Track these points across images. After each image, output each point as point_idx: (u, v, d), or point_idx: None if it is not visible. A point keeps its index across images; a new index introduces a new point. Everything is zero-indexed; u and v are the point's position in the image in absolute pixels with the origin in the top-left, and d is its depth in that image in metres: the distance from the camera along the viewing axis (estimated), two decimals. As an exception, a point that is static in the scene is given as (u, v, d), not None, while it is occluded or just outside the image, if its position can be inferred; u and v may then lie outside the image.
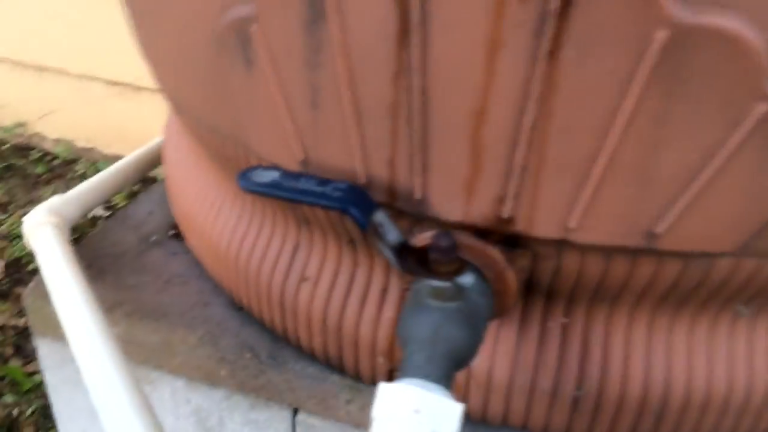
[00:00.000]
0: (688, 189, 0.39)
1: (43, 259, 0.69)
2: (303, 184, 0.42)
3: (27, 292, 0.73)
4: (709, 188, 0.39)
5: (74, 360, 0.75)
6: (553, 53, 0.36)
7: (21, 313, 1.68)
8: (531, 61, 0.37)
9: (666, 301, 0.48)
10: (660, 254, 0.43)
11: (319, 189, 0.42)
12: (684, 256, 0.43)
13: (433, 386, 0.39)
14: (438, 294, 0.42)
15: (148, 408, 0.54)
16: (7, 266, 1.81)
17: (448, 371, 0.40)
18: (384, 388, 0.39)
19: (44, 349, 0.76)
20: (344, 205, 0.41)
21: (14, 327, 1.65)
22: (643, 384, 0.50)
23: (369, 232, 0.41)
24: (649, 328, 0.50)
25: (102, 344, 0.59)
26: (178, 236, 0.80)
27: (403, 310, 0.44)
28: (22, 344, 1.60)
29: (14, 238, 1.89)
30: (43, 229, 0.73)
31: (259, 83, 0.46)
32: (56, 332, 0.73)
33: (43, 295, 0.71)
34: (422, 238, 0.45)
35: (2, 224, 1.95)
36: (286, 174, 0.43)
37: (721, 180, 0.39)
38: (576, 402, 0.51)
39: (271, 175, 0.43)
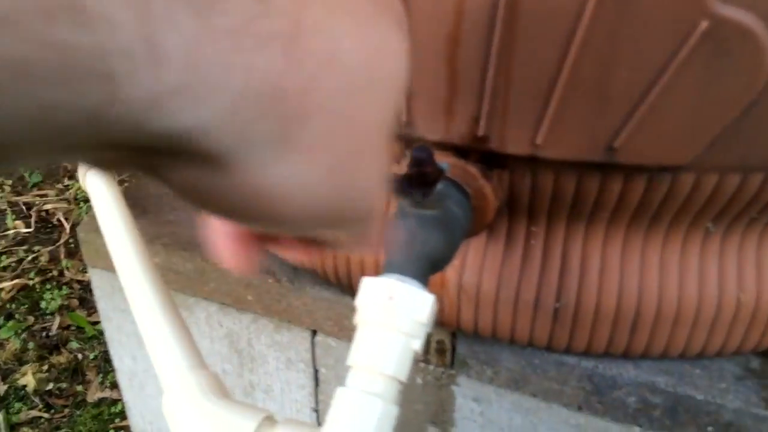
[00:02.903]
0: (642, 104, 0.43)
1: (95, 197, 0.78)
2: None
3: (80, 227, 0.82)
4: (661, 103, 0.43)
5: (123, 289, 0.84)
6: (511, -21, 0.41)
7: (86, 268, 1.82)
8: (494, -12, 0.42)
9: (638, 219, 0.52)
10: (623, 169, 0.47)
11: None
12: (645, 170, 0.47)
13: (408, 279, 0.44)
14: (416, 202, 0.47)
15: (186, 330, 0.60)
16: (73, 227, 1.95)
17: (423, 270, 0.46)
18: (365, 282, 0.45)
19: (96, 279, 0.85)
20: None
21: (80, 282, 1.78)
22: (617, 296, 0.54)
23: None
24: (623, 245, 0.54)
25: (144, 271, 0.66)
26: (214, 180, 0.88)
27: (388, 221, 0.50)
28: (86, 297, 1.73)
29: (81, 202, 2.03)
30: (94, 172, 0.81)
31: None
32: (106, 262, 0.81)
33: (94, 229, 0.80)
34: (408, 166, 0.50)
35: (69, 189, 2.09)
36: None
37: (669, 96, 0.43)
38: (556, 313, 0.56)
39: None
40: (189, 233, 0.78)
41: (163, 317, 0.54)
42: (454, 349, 0.65)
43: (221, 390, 0.46)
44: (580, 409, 0.62)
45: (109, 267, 0.82)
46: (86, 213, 1.96)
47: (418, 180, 0.47)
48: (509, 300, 0.56)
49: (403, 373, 0.43)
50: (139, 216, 0.81)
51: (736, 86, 0.42)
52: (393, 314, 0.43)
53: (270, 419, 0.43)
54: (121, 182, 0.84)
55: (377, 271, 0.62)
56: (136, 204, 0.83)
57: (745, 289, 0.54)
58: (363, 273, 0.63)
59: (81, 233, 0.82)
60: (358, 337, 0.44)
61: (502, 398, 0.66)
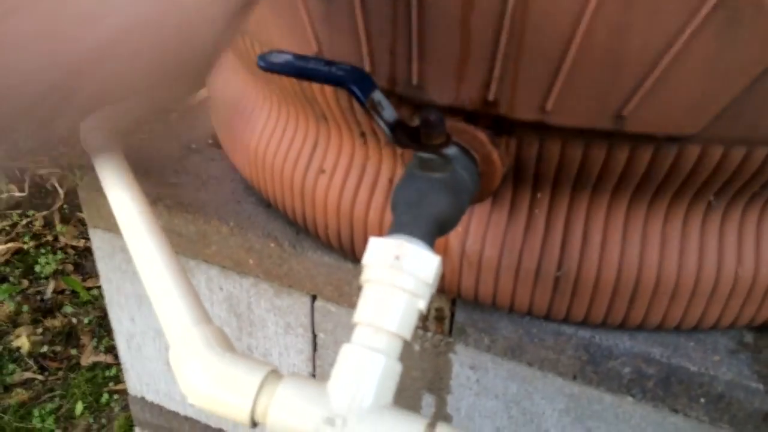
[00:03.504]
0: (652, 72, 0.43)
1: (96, 156, 0.78)
2: (312, 65, 0.48)
3: (81, 186, 0.82)
4: (671, 72, 0.43)
5: (123, 249, 0.84)
6: (529, -58, 0.41)
7: (81, 235, 1.82)
8: (511, -49, 0.42)
9: (642, 191, 0.53)
10: (630, 138, 0.48)
11: (325, 68, 0.47)
12: (652, 139, 0.47)
13: (415, 240, 0.45)
14: (425, 165, 0.48)
15: (191, 287, 0.60)
16: (68, 194, 1.94)
17: (430, 231, 0.46)
18: (372, 241, 0.45)
19: (96, 239, 0.85)
20: (346, 82, 0.46)
21: (74, 247, 1.78)
22: (617, 267, 0.55)
23: (368, 108, 0.47)
24: (626, 216, 0.54)
25: (149, 231, 0.66)
26: (216, 145, 0.88)
27: (397, 182, 0.50)
28: (81, 263, 1.73)
29: (75, 169, 2.02)
30: (96, 133, 0.81)
31: (279, -21, 0.51)
32: (107, 223, 0.82)
33: (96, 189, 0.80)
34: (416, 121, 0.51)
35: (64, 155, 2.08)
36: (298, 56, 0.49)
37: (681, 64, 0.43)
38: (557, 282, 0.56)
39: (285, 57, 0.48)
40: (192, 195, 0.78)
41: (169, 275, 0.55)
42: (452, 317, 0.66)
43: (227, 344, 0.47)
44: (575, 378, 0.63)
45: (109, 227, 0.82)
46: (81, 180, 1.95)
47: (426, 141, 0.47)
48: (511, 267, 0.57)
49: (407, 332, 0.44)
50: (141, 177, 0.81)
51: (747, 57, 0.43)
52: (399, 273, 0.43)
53: (275, 372, 0.44)
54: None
55: (381, 234, 0.63)
56: (138, 165, 0.82)
57: (744, 263, 0.55)
58: (366, 238, 0.64)
59: (82, 193, 0.82)
60: (364, 294, 0.44)
61: (499, 366, 0.67)
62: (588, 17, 0.43)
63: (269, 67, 0.48)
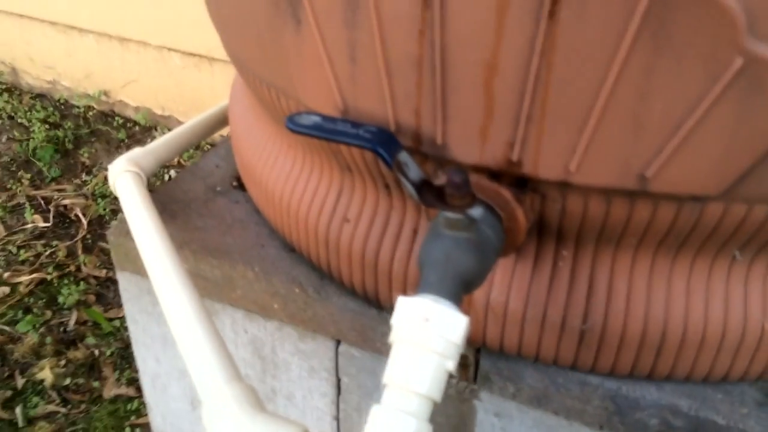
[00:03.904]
0: (674, 136, 0.44)
1: (125, 201, 0.79)
2: (340, 127, 0.49)
3: (111, 231, 0.83)
4: (693, 135, 0.44)
5: (150, 291, 0.85)
6: (553, 13, 0.42)
7: (102, 264, 1.84)
8: (534, 20, 0.43)
9: (665, 245, 0.53)
10: (653, 197, 0.48)
11: (353, 131, 0.49)
12: (675, 199, 0.48)
13: (443, 300, 0.46)
14: (452, 224, 0.48)
15: (221, 341, 0.60)
16: (91, 223, 1.97)
17: (457, 291, 0.47)
18: (401, 301, 0.46)
19: (124, 281, 0.86)
20: (373, 145, 0.47)
21: (96, 277, 1.80)
22: (643, 321, 0.55)
23: (394, 169, 0.48)
24: (650, 270, 0.55)
25: (179, 280, 0.67)
26: (240, 187, 0.89)
27: (423, 240, 0.51)
28: (103, 293, 1.75)
29: (98, 198, 2.05)
30: (125, 176, 0.83)
31: (307, 41, 0.53)
32: (135, 266, 0.83)
33: (125, 233, 0.81)
34: (442, 178, 0.52)
35: (87, 185, 2.11)
36: (326, 118, 0.50)
37: (703, 128, 0.43)
38: (582, 335, 0.57)
39: (313, 119, 0.50)
40: (217, 240, 0.79)
41: (200, 329, 0.56)
42: (477, 365, 0.67)
43: (258, 403, 0.48)
44: (601, 428, 0.63)
45: (136, 270, 0.84)
46: (103, 209, 1.98)
47: (451, 201, 0.48)
48: (536, 320, 0.57)
49: (436, 393, 0.44)
50: (167, 221, 0.83)
51: (770, 121, 0.43)
52: (428, 335, 0.44)
53: (305, 433, 0.45)
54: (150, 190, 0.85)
55: (405, 287, 0.63)
56: (165, 209, 0.84)
57: (770, 315, 0.55)
58: (390, 285, 0.65)
59: (111, 237, 0.83)
60: (394, 355, 0.45)
61: (524, 415, 0.67)
62: (611, 82, 0.43)
63: (298, 129, 0.49)
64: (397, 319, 0.46)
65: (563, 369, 0.62)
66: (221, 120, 0.99)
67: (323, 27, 0.51)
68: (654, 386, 0.60)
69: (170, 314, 0.60)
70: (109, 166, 0.86)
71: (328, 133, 0.49)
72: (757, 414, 0.57)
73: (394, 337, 0.46)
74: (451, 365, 0.45)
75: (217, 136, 2.10)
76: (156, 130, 2.24)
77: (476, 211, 0.49)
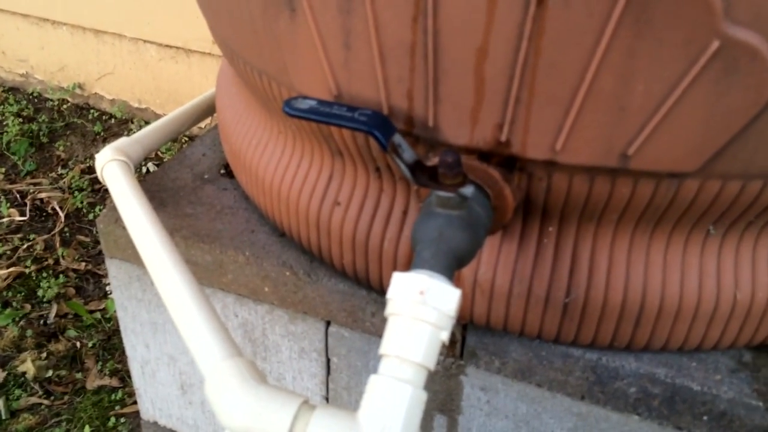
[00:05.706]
0: (655, 116, 0.47)
1: (114, 189, 0.80)
2: (336, 110, 0.51)
3: (100, 218, 0.84)
4: (672, 115, 0.47)
5: (139, 278, 0.86)
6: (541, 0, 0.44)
7: (81, 257, 1.83)
8: (523, 6, 0.45)
9: (644, 220, 0.56)
10: (634, 174, 0.51)
11: (348, 114, 0.50)
12: (654, 176, 0.51)
13: (436, 275, 0.48)
14: (444, 203, 0.51)
15: (219, 320, 0.61)
16: (68, 216, 1.96)
17: (450, 266, 0.49)
18: (397, 276, 0.48)
19: (113, 269, 0.87)
20: (369, 128, 0.49)
21: (75, 270, 1.79)
22: (623, 292, 0.58)
23: (389, 151, 0.50)
24: (630, 244, 0.58)
25: (175, 264, 0.67)
26: (228, 174, 0.90)
27: (417, 219, 0.53)
28: (82, 286, 1.74)
29: (75, 191, 2.03)
30: (112, 164, 0.84)
31: (301, 28, 0.54)
32: (124, 253, 0.84)
33: (114, 221, 0.82)
34: (433, 159, 0.54)
35: (63, 178, 2.09)
36: (323, 102, 0.52)
37: (681, 108, 0.46)
38: (565, 308, 0.59)
39: (309, 103, 0.52)
40: (207, 226, 0.81)
41: (199, 308, 0.57)
42: (464, 341, 0.69)
43: (259, 376, 0.49)
44: (582, 398, 0.66)
45: (126, 257, 0.84)
46: (81, 202, 1.97)
47: (444, 181, 0.50)
48: (521, 295, 0.60)
49: (431, 362, 0.47)
50: (157, 208, 0.84)
51: (743, 101, 0.46)
52: (423, 307, 0.46)
53: (308, 404, 0.47)
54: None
55: (395, 267, 0.65)
56: (154, 197, 0.85)
57: (741, 287, 0.58)
58: (380, 266, 0.67)
59: (100, 225, 0.84)
60: (390, 327, 0.47)
61: (509, 388, 0.69)
62: (595, 65, 0.46)
63: (295, 113, 0.51)
64: (392, 294, 0.48)
65: (547, 343, 0.65)
66: (207, 109, 1.00)
67: (318, 14, 0.52)
68: (632, 356, 0.63)
69: (168, 296, 0.61)
70: (96, 156, 0.86)
71: (325, 116, 0.51)
72: (729, 380, 0.61)
73: (390, 310, 0.48)
74: (445, 336, 0.47)
75: (195, 129, 2.09)
76: (132, 122, 2.23)
77: (467, 190, 0.51)
